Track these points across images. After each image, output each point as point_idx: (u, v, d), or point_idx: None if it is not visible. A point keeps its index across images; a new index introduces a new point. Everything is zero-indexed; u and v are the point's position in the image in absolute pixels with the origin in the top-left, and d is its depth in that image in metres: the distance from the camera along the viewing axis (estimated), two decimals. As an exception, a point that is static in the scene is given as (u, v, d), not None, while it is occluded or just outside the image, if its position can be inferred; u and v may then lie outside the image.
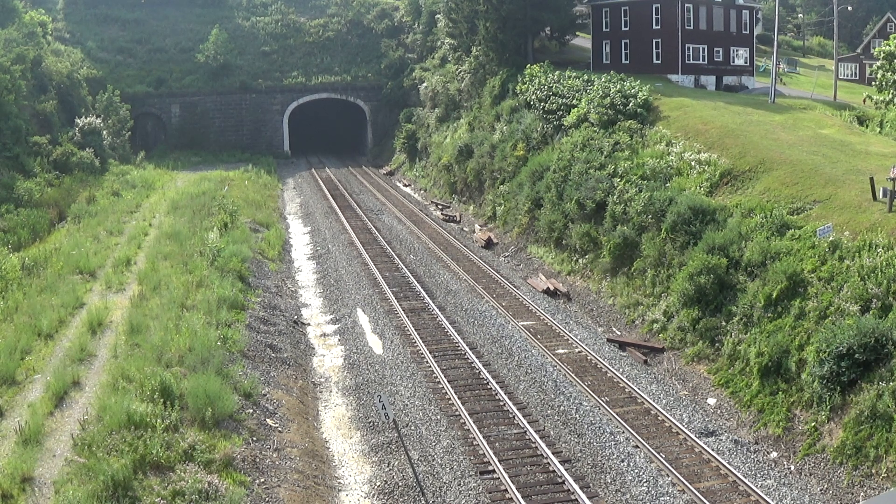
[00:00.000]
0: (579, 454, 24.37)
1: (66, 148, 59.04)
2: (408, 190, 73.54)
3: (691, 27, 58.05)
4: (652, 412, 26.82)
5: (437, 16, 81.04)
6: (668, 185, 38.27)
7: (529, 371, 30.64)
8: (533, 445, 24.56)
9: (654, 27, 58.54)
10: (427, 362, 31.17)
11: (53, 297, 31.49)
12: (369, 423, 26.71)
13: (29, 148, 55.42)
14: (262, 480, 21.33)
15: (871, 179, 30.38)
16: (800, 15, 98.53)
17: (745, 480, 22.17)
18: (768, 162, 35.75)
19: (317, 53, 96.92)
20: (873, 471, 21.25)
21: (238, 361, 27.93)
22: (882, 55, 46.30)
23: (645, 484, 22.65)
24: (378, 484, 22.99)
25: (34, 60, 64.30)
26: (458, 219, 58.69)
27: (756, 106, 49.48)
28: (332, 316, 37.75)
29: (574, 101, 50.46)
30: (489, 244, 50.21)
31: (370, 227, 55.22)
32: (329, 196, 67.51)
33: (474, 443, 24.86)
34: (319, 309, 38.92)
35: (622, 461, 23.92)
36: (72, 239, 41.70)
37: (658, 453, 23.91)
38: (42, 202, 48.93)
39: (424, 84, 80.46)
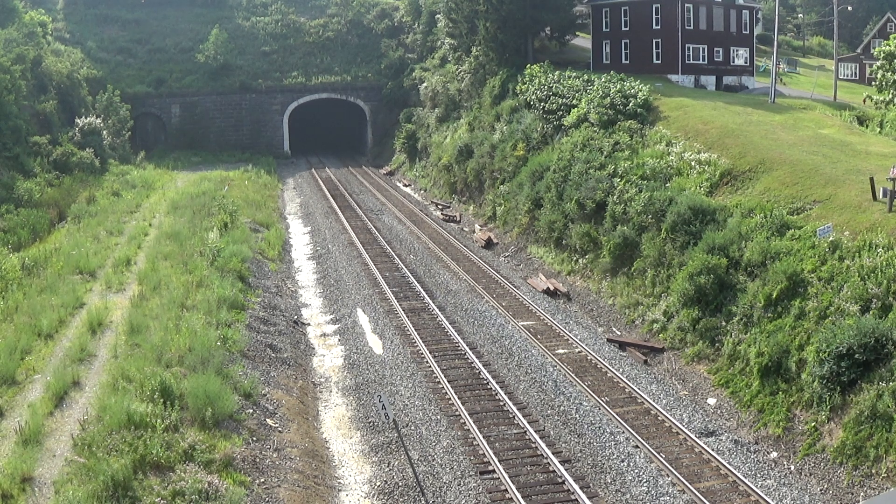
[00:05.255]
0: (579, 454, 24.37)
1: (66, 148, 59.03)
2: (408, 190, 73.54)
3: (691, 27, 58.05)
4: (652, 412, 26.82)
5: (437, 16, 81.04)
6: (668, 185, 38.27)
7: (529, 371, 30.63)
8: (533, 445, 24.56)
9: (654, 27, 58.54)
10: (427, 362, 31.17)
11: (53, 297, 31.49)
12: (369, 423, 26.71)
13: (29, 148, 55.43)
14: (262, 480, 21.33)
15: (871, 179, 30.37)
16: (800, 15, 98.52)
17: (745, 480, 22.17)
18: (768, 162, 35.75)
19: (317, 53, 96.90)
20: (873, 471, 21.25)
21: (238, 361, 27.93)
22: (882, 55, 46.28)
23: (645, 484, 22.65)
24: (378, 484, 22.99)
25: (34, 60, 64.30)
26: (458, 219, 58.69)
27: (756, 106, 49.48)
28: (332, 316, 37.75)
29: (574, 101, 50.46)
30: (489, 244, 50.22)
31: (370, 227, 55.22)
32: (329, 196, 67.50)
33: (474, 443, 24.86)
34: (319, 309, 38.92)
35: (622, 461, 23.91)
36: (72, 239, 41.70)
37: (658, 453, 23.91)
38: (42, 202, 48.94)
39: (424, 84, 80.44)
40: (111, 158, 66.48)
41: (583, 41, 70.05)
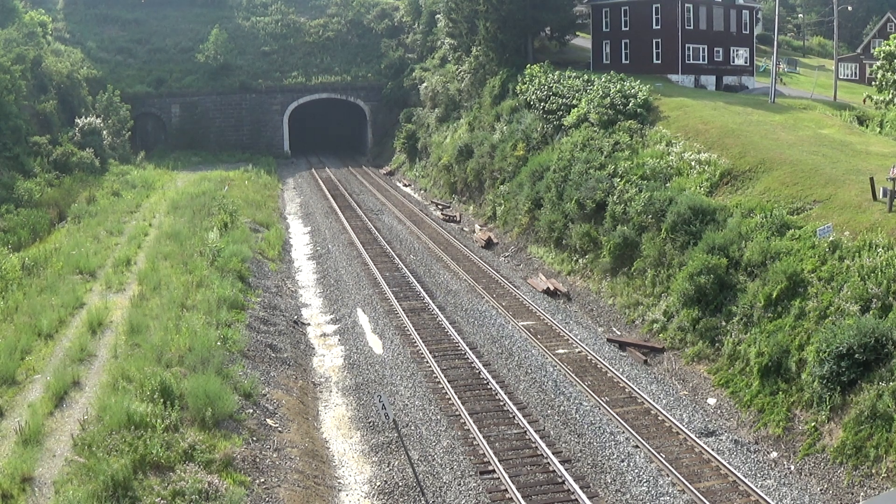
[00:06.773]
0: (579, 454, 24.37)
1: (66, 148, 59.04)
2: (408, 190, 73.54)
3: (691, 27, 58.06)
4: (652, 412, 26.82)
5: (437, 16, 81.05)
6: (668, 185, 38.27)
7: (529, 371, 30.63)
8: (533, 445, 24.56)
9: (654, 27, 58.55)
10: (427, 362, 31.17)
11: (53, 297, 31.48)
12: (369, 423, 26.71)
13: (29, 148, 55.43)
14: (262, 480, 21.33)
15: (871, 179, 30.37)
16: (800, 15, 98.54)
17: (745, 480, 22.17)
18: (768, 162, 35.75)
19: (317, 53, 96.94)
20: (873, 471, 21.25)
21: (238, 361, 27.93)
22: (882, 55, 46.27)
23: (645, 484, 22.65)
24: (378, 484, 22.99)
25: (34, 60, 64.30)
26: (458, 219, 58.69)
27: (756, 106, 49.48)
28: (332, 316, 37.74)
29: (574, 101, 50.46)
30: (489, 244, 50.21)
31: (370, 227, 55.22)
32: (329, 196, 67.50)
33: (474, 443, 24.86)
34: (319, 309, 38.92)
35: (622, 461, 23.92)
36: (72, 239, 41.70)
37: (658, 453, 23.91)
38: (42, 202, 48.94)
39: (424, 84, 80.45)
40: (111, 158, 66.48)
41: (583, 41, 70.06)
